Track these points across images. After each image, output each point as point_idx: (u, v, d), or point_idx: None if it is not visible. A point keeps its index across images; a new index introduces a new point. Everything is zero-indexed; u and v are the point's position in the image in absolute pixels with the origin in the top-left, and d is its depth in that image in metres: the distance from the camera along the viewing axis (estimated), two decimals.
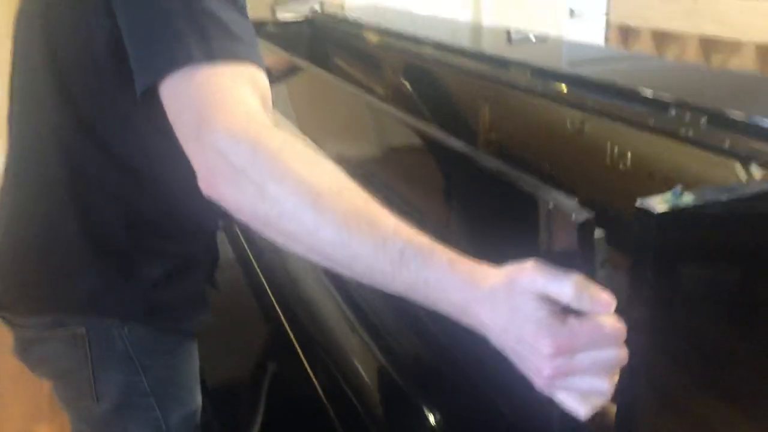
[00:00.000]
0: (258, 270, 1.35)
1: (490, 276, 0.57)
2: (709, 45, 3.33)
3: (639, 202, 0.53)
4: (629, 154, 0.72)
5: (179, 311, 1.00)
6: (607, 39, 4.02)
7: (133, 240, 0.93)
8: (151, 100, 0.73)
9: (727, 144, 0.61)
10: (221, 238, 1.16)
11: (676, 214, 0.52)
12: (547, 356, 0.53)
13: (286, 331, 1.16)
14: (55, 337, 0.94)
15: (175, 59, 0.70)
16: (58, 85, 0.86)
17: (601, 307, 0.53)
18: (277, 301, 1.23)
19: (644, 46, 3.73)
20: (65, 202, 0.90)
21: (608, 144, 0.74)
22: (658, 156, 0.68)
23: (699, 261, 0.57)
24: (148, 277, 0.94)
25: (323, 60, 1.47)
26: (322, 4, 2.26)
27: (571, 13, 4.82)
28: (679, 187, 0.54)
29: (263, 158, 0.63)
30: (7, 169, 0.96)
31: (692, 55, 3.39)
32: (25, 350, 0.99)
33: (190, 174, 0.68)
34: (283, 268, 1.30)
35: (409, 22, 1.58)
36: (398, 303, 0.99)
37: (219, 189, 0.65)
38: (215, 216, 1.02)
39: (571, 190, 0.56)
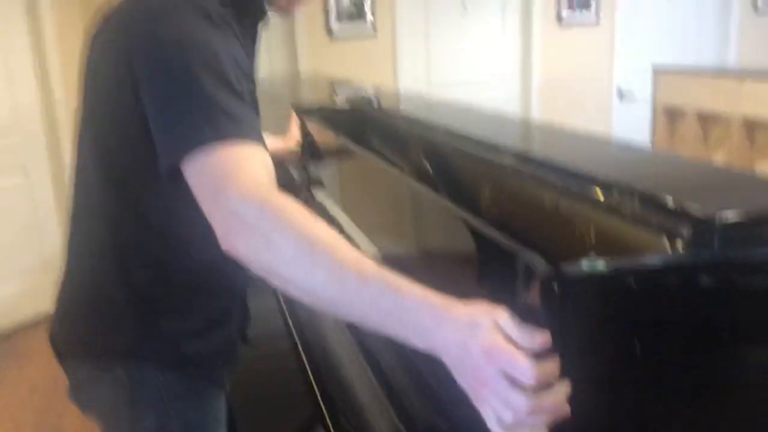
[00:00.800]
0: (291, 326, 1.49)
1: (458, 306, 0.68)
2: (752, 126, 3.40)
3: (555, 266, 0.65)
4: (592, 229, 0.85)
5: (210, 361, 1.13)
6: (653, 120, 4.12)
7: (169, 297, 1.08)
8: (179, 175, 0.90)
9: (655, 222, 0.73)
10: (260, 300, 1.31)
11: (584, 277, 0.64)
12: (483, 367, 0.64)
13: (312, 385, 1.28)
14: (101, 380, 1.08)
15: (189, 143, 0.86)
16: (104, 167, 1.04)
17: (534, 341, 0.63)
18: (306, 358, 1.36)
19: (689, 127, 3.81)
20: (110, 264, 1.07)
21: (576, 220, 0.88)
22: (609, 230, 0.81)
23: (605, 322, 0.67)
24: (182, 330, 1.09)
25: (365, 140, 1.65)
26: (377, 90, 2.48)
27: (620, 95, 4.96)
28: (593, 255, 0.66)
29: (269, 215, 0.78)
30: (68, 239, 1.16)
31: (736, 135, 3.45)
32: (77, 393, 1.14)
33: (215, 237, 0.83)
34: (313, 325, 1.45)
35: (443, 111, 1.77)
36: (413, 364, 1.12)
37: (233, 243, 0.79)
38: (242, 274, 1.09)
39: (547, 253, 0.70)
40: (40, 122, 3.51)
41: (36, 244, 3.45)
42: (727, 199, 0.77)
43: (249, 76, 0.99)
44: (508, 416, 0.63)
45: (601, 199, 0.82)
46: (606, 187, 0.82)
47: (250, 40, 1.08)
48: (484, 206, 1.07)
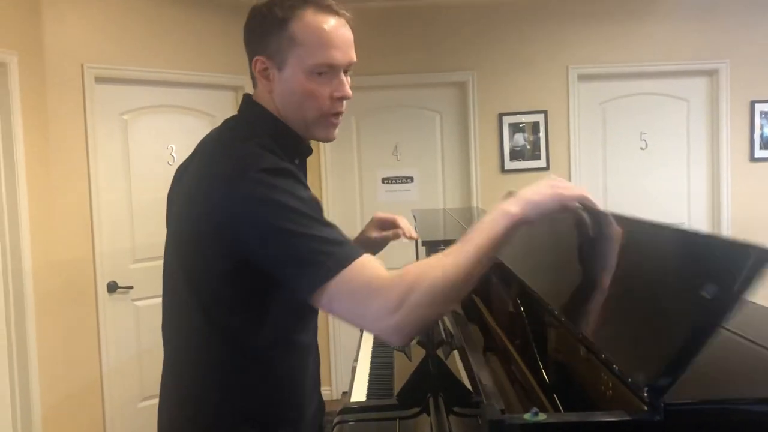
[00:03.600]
0: None
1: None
2: None
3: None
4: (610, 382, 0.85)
5: None
6: None
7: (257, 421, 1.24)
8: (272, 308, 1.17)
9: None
10: None
11: (517, 426, 0.74)
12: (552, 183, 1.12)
13: None
14: None
15: (321, 276, 1.06)
16: (194, 303, 1.21)
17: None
18: None
19: None
20: (199, 386, 1.23)
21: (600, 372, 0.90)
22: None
23: None
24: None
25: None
26: None
27: None
28: (535, 409, 0.76)
29: (417, 294, 1.03)
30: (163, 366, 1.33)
31: None
32: None
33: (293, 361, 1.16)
34: None
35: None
36: None
37: (409, 331, 1.05)
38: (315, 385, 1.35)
39: None
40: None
41: None
42: None
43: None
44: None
45: None
46: None
47: (302, 173, 1.29)
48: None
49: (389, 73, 4.45)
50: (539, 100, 4.46)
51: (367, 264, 1.07)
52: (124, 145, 3.60)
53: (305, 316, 1.29)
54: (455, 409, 1.41)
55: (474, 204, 4.44)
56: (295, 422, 1.29)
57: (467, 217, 3.02)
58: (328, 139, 1.31)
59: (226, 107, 3.96)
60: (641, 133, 4.56)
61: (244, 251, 1.12)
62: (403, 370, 2.05)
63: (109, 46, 3.51)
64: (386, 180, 4.57)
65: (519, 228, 1.08)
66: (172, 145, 3.75)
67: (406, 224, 1.71)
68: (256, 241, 1.10)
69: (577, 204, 1.14)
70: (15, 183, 2.94)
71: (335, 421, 1.80)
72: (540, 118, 4.46)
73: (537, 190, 1.11)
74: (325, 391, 4.46)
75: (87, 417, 3.42)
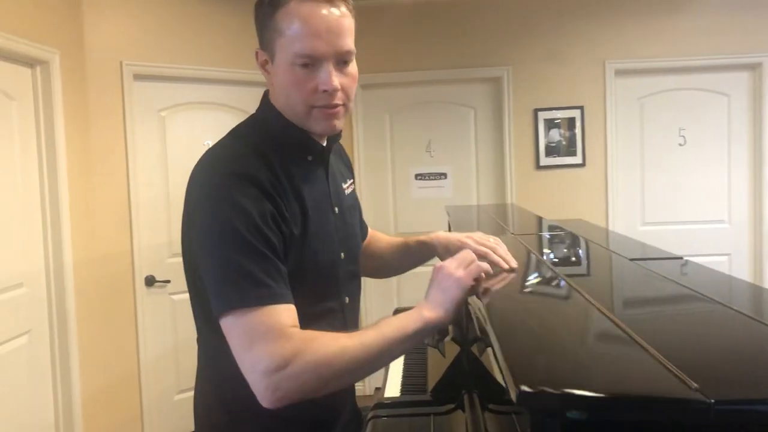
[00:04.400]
0: None
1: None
2: None
3: None
4: None
5: None
6: None
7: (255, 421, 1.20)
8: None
9: None
10: None
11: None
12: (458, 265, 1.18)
13: None
14: None
15: (228, 304, 1.07)
16: (200, 310, 1.25)
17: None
18: None
19: None
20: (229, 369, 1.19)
21: None
22: None
23: None
24: None
25: None
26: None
27: None
28: None
29: (305, 361, 1.02)
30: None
31: None
32: None
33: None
34: None
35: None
36: None
37: (281, 395, 1.02)
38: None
39: None
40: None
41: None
42: None
43: (303, 209, 1.21)
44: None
45: None
46: None
47: (323, 169, 1.31)
48: None
49: (423, 69, 4.44)
50: (575, 96, 4.41)
51: (275, 314, 1.05)
52: (162, 141, 3.66)
53: (307, 291, 1.20)
54: (491, 406, 1.41)
55: (508, 201, 4.41)
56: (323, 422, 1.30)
57: (502, 214, 3.00)
58: (329, 132, 1.26)
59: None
60: (680, 129, 4.47)
61: (190, 244, 1.17)
62: (437, 366, 2.05)
63: (147, 43, 3.57)
64: (419, 176, 4.56)
65: (430, 330, 1.12)
66: (208, 141, 3.80)
67: (503, 254, 1.38)
68: (197, 243, 1.14)
69: (482, 273, 1.19)
70: (56, 179, 3.00)
71: (369, 416, 1.80)
72: (576, 113, 4.40)
73: (442, 286, 1.15)
74: (358, 387, 4.47)
75: (125, 407, 3.49)
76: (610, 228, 4.26)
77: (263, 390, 1.02)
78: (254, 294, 1.06)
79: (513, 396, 0.61)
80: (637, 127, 4.49)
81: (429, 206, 4.51)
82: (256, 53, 1.26)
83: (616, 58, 4.38)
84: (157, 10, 3.61)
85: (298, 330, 1.06)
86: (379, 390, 2.08)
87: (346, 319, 1.34)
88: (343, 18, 1.18)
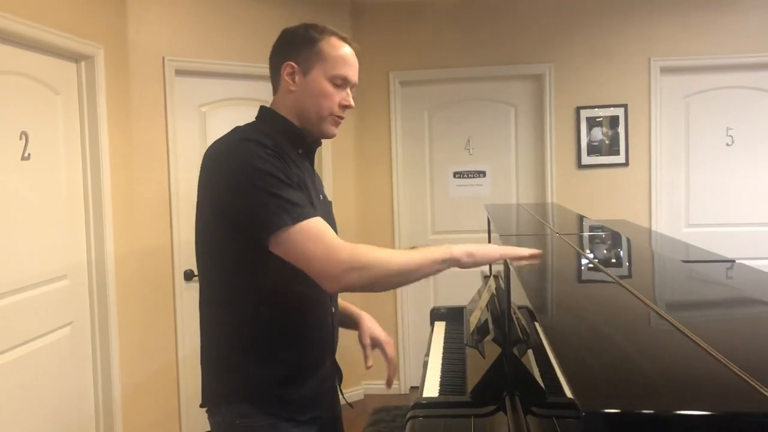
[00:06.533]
0: None
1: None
2: None
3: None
4: None
5: (299, 407, 1.53)
6: None
7: (256, 347, 1.51)
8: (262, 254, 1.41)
9: None
10: None
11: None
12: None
13: None
14: (215, 423, 1.56)
15: (280, 224, 1.37)
16: (207, 263, 1.56)
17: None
18: None
19: None
20: (213, 322, 1.56)
21: None
22: None
23: None
24: (270, 377, 1.50)
25: None
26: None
27: None
28: None
29: (364, 258, 1.36)
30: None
31: None
32: None
33: (294, 300, 1.49)
34: None
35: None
36: None
37: (346, 281, 1.34)
38: (324, 330, 1.61)
39: None
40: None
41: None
42: None
43: (303, 184, 1.49)
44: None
45: None
46: None
47: (308, 161, 1.65)
48: None
49: (463, 65, 4.39)
50: (619, 94, 4.32)
51: (321, 224, 1.40)
52: (202, 137, 3.68)
53: (297, 270, 1.44)
54: (533, 409, 1.37)
55: (549, 200, 4.34)
56: (303, 367, 1.54)
57: (542, 213, 2.95)
58: (330, 135, 1.63)
59: None
60: (727, 129, 4.34)
61: (222, 204, 1.44)
62: (476, 367, 2.01)
63: (189, 39, 3.59)
64: (458, 174, 4.51)
65: (451, 265, 1.44)
66: None
67: (391, 371, 1.84)
68: (233, 195, 1.42)
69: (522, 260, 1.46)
70: (99, 172, 3.04)
71: (408, 415, 1.78)
72: (620, 112, 4.31)
73: (481, 245, 1.48)
74: (393, 385, 4.45)
75: (164, 400, 3.52)
76: (653, 229, 4.16)
77: (330, 278, 1.35)
78: (301, 212, 1.38)
79: (578, 420, 0.58)
80: (682, 126, 4.38)
81: (467, 205, 4.47)
82: (286, 65, 1.59)
83: (662, 55, 4.28)
84: (199, 6, 3.64)
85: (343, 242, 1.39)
86: (415, 389, 2.06)
87: (332, 301, 1.66)
88: (356, 58, 1.63)
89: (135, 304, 3.30)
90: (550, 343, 0.76)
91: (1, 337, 2.41)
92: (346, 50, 1.60)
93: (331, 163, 4.26)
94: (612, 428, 0.55)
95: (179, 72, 3.55)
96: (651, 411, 0.57)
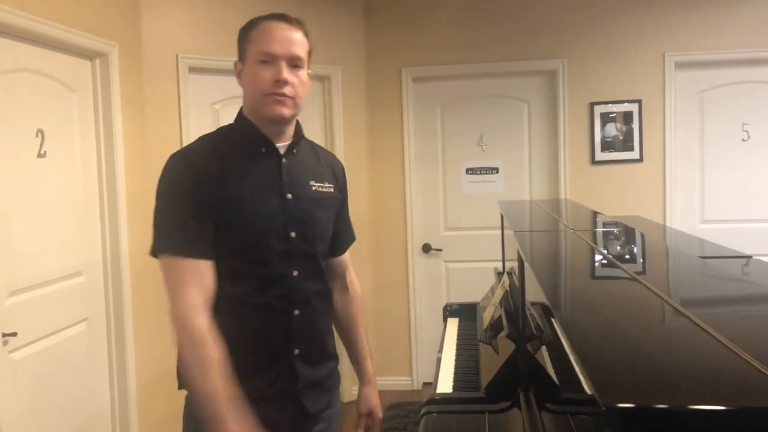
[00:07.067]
0: None
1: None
2: None
3: None
4: None
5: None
6: None
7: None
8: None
9: None
10: None
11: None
12: None
13: None
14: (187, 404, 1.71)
15: (154, 246, 1.55)
16: None
17: None
18: None
19: None
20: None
21: None
22: None
23: None
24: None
25: None
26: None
27: None
28: None
29: (183, 334, 1.47)
30: None
31: None
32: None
33: (228, 304, 1.53)
34: None
35: None
36: None
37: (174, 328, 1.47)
38: (263, 338, 1.59)
39: None
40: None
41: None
42: None
43: (236, 191, 1.54)
44: None
45: None
46: None
47: (276, 161, 1.62)
48: None
49: (476, 61, 4.38)
50: (633, 89, 4.29)
51: (183, 264, 1.49)
52: None
53: (228, 267, 1.54)
54: (548, 405, 1.37)
55: (562, 196, 4.32)
56: (243, 368, 1.50)
57: (556, 209, 2.94)
58: (276, 115, 1.57)
59: (312, 97, 4.00)
60: (743, 124, 4.30)
61: None
62: (490, 363, 2.01)
63: (203, 37, 3.60)
64: (470, 170, 4.50)
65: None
66: None
67: None
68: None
69: None
70: (114, 169, 3.06)
71: (422, 411, 1.78)
72: (633, 107, 4.28)
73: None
74: (405, 381, 4.47)
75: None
76: (668, 225, 4.14)
77: (171, 318, 1.49)
78: (169, 242, 1.51)
79: (596, 416, 0.58)
80: (697, 122, 4.34)
81: (480, 201, 4.46)
82: (235, 64, 1.64)
83: (677, 50, 4.25)
84: (213, 4, 3.65)
85: (200, 309, 1.46)
86: (428, 385, 2.06)
87: (293, 289, 1.60)
88: (296, 34, 1.61)
89: (149, 302, 3.32)
90: (568, 339, 0.76)
91: (18, 333, 2.44)
92: (271, 26, 1.60)
93: (344, 160, 4.26)
94: (631, 423, 0.55)
95: (193, 69, 3.57)
96: (671, 406, 0.57)
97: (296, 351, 1.61)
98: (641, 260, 1.55)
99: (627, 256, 1.59)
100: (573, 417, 0.94)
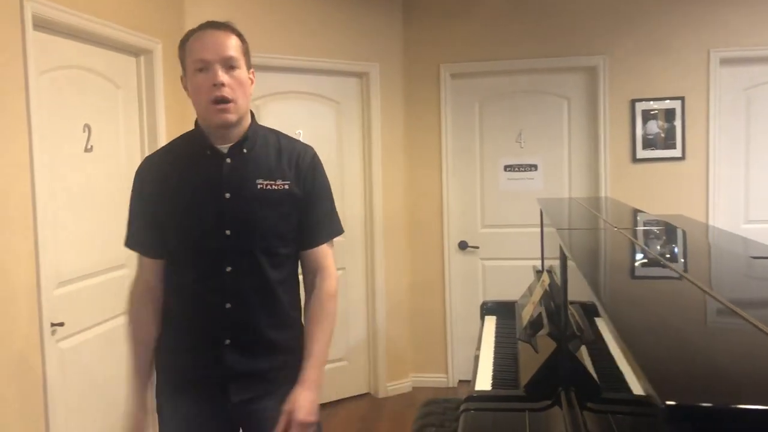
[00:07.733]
0: None
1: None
2: None
3: None
4: None
5: (169, 376, 1.80)
6: None
7: (166, 329, 1.81)
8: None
9: None
10: None
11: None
12: None
13: None
14: None
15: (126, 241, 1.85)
16: None
17: None
18: None
19: None
20: None
21: None
22: None
23: None
24: (157, 346, 1.81)
25: None
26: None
27: None
28: None
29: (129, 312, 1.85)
30: None
31: None
32: None
33: (170, 287, 1.79)
34: None
35: None
36: None
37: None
38: (191, 322, 1.74)
39: None
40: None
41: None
42: None
43: (180, 190, 1.70)
44: None
45: None
46: None
47: (218, 161, 1.68)
48: None
49: (515, 57, 4.34)
50: (676, 86, 4.21)
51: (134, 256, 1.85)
52: None
53: (173, 259, 1.75)
54: (590, 404, 1.35)
55: (602, 194, 4.27)
56: (173, 348, 1.77)
57: (596, 206, 2.90)
58: (221, 122, 1.63)
59: (350, 93, 4.02)
60: None
61: None
62: (529, 361, 2.00)
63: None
64: (509, 168, 4.47)
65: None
66: (299, 131, 3.86)
67: None
68: None
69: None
70: None
71: (461, 408, 1.78)
72: (676, 104, 4.20)
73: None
74: (441, 378, 4.46)
75: None
76: (710, 224, 4.05)
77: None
78: (128, 237, 1.81)
79: (658, 413, 0.57)
80: (742, 120, 4.25)
81: (518, 199, 4.43)
82: (181, 78, 1.71)
83: (722, 46, 4.15)
84: (253, 1, 3.68)
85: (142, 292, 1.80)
86: (464, 383, 2.06)
87: (225, 283, 1.67)
88: (228, 38, 1.65)
89: None
90: (621, 336, 0.75)
91: (65, 323, 2.50)
92: (200, 35, 1.64)
93: (381, 156, 4.27)
94: (691, 422, 0.54)
95: None
96: (732, 405, 0.56)
97: (227, 341, 1.70)
98: (687, 259, 1.52)
99: (673, 255, 1.57)
100: (622, 416, 0.93)
